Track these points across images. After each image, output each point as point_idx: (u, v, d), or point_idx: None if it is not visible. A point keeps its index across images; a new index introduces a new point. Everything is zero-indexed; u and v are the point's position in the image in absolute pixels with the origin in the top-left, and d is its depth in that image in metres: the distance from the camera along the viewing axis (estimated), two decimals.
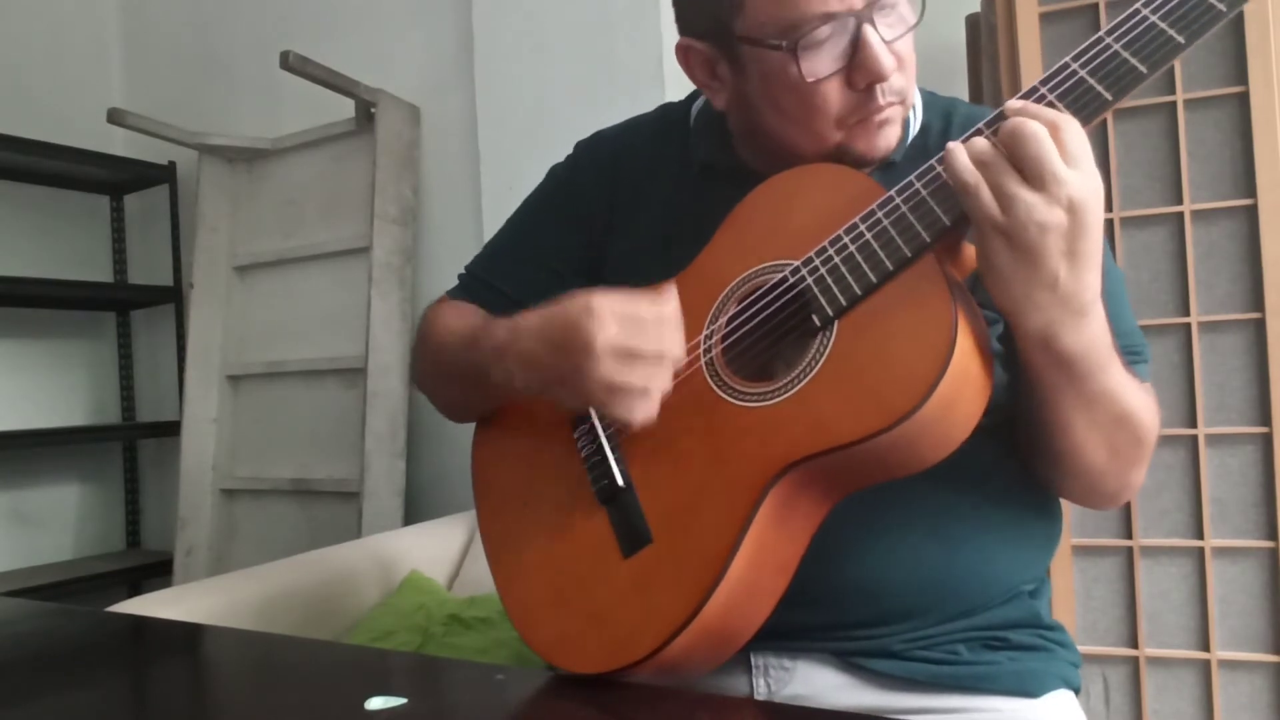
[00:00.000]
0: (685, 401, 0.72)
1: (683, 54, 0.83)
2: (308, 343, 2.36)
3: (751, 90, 0.78)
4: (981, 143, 0.63)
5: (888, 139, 0.77)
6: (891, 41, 0.73)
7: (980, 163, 0.62)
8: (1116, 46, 0.63)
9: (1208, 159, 1.32)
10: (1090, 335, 0.65)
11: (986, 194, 0.61)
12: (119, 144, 2.69)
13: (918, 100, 0.85)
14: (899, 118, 0.77)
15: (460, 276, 1.00)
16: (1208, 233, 1.32)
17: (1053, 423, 0.71)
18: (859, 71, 0.72)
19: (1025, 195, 0.60)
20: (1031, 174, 0.60)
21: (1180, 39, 0.62)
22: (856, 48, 0.72)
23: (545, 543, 0.75)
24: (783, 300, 0.71)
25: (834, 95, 0.74)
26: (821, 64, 0.72)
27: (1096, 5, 1.36)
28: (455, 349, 0.85)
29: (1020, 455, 0.80)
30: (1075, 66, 0.64)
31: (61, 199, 2.67)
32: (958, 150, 0.63)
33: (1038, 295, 0.62)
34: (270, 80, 2.32)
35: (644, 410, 0.68)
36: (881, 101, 0.74)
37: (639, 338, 0.67)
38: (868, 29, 0.71)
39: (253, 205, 2.49)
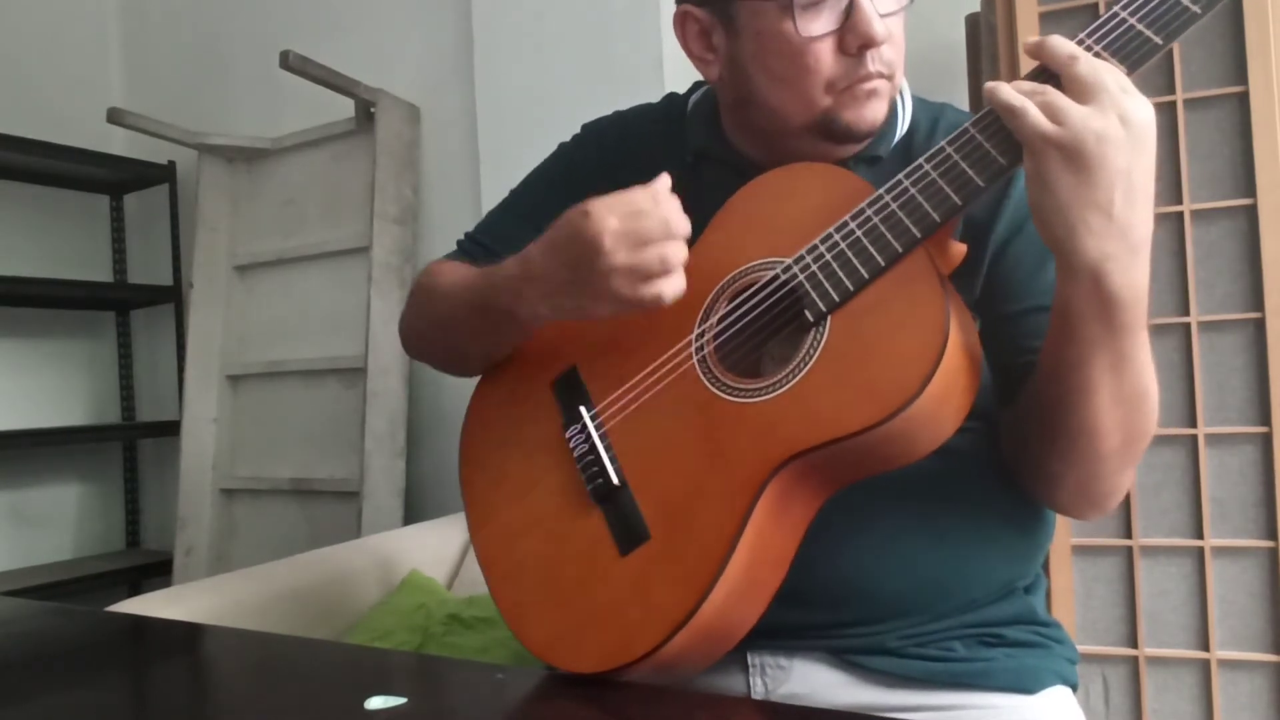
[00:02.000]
0: (679, 399, 0.72)
1: (680, 23, 0.84)
2: (308, 343, 2.36)
3: (744, 54, 0.79)
4: (1021, 82, 0.63)
5: (875, 112, 0.78)
6: (885, 15, 0.75)
7: (1024, 91, 0.62)
8: (1097, 49, 0.64)
9: (1208, 159, 1.32)
10: (1139, 280, 0.63)
11: (1034, 110, 0.61)
12: (119, 144, 2.69)
13: (908, 99, 0.86)
14: (886, 93, 0.78)
15: (458, 242, 1.00)
16: (1208, 233, 1.32)
17: (1078, 389, 0.68)
18: (852, 34, 0.74)
19: (1076, 107, 0.60)
20: (1081, 91, 0.60)
21: (1158, 40, 0.63)
22: (850, 12, 0.74)
23: (539, 543, 0.75)
24: (775, 297, 0.72)
25: (825, 57, 0.75)
26: (816, 23, 0.74)
27: (1096, 4, 1.36)
28: (463, 294, 0.85)
29: (1016, 453, 0.78)
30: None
31: (61, 199, 2.67)
32: (999, 83, 0.63)
33: (1094, 219, 0.60)
34: (270, 80, 2.31)
35: (672, 286, 0.69)
36: (871, 69, 0.76)
37: (641, 219, 0.68)
38: None
39: (253, 205, 2.49)
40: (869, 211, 0.68)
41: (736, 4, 0.78)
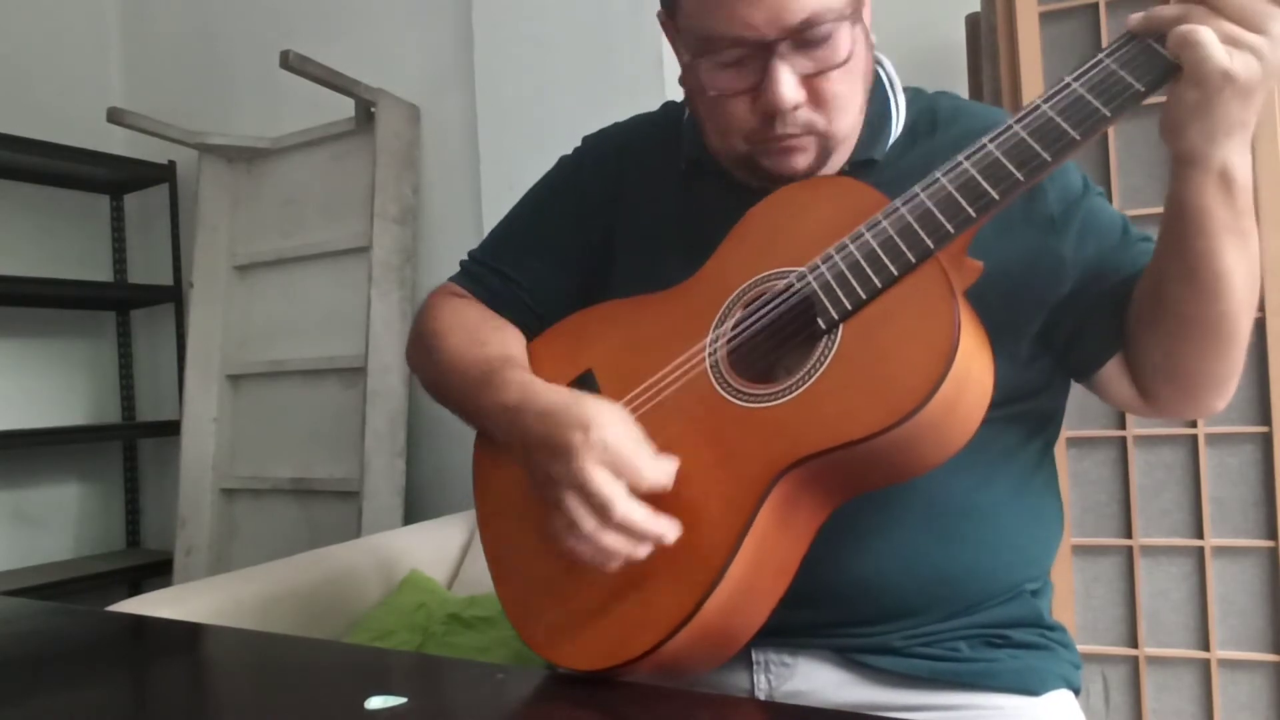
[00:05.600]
0: (689, 402, 0.72)
1: (662, 27, 0.85)
2: (308, 342, 2.36)
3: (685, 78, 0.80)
4: (1173, 4, 0.63)
5: (797, 163, 0.77)
6: (812, 75, 0.73)
7: (1194, 19, 0.61)
8: (1052, 113, 0.64)
9: None
10: (1249, 161, 0.66)
11: (1218, 45, 0.60)
12: (119, 143, 2.69)
13: (902, 102, 0.84)
14: (812, 148, 0.77)
15: (463, 264, 0.99)
16: None
17: (1218, 277, 0.68)
18: (760, 99, 0.74)
19: (1255, 40, 0.60)
20: (1247, 19, 0.60)
21: (1106, 111, 0.63)
22: (764, 76, 0.73)
23: (546, 541, 0.75)
24: (788, 305, 0.72)
25: (740, 111, 0.75)
26: (725, 81, 0.74)
27: (1096, 5, 1.35)
28: (460, 381, 0.84)
29: (1146, 374, 0.78)
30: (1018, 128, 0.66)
31: (61, 198, 2.67)
32: (1162, 10, 0.62)
33: (1236, 131, 0.63)
34: (270, 80, 2.32)
35: (569, 544, 0.67)
36: (781, 131, 0.75)
37: (604, 485, 0.65)
38: (775, 62, 0.72)
39: (253, 205, 2.49)
40: (884, 222, 0.69)
41: (676, 29, 0.79)
